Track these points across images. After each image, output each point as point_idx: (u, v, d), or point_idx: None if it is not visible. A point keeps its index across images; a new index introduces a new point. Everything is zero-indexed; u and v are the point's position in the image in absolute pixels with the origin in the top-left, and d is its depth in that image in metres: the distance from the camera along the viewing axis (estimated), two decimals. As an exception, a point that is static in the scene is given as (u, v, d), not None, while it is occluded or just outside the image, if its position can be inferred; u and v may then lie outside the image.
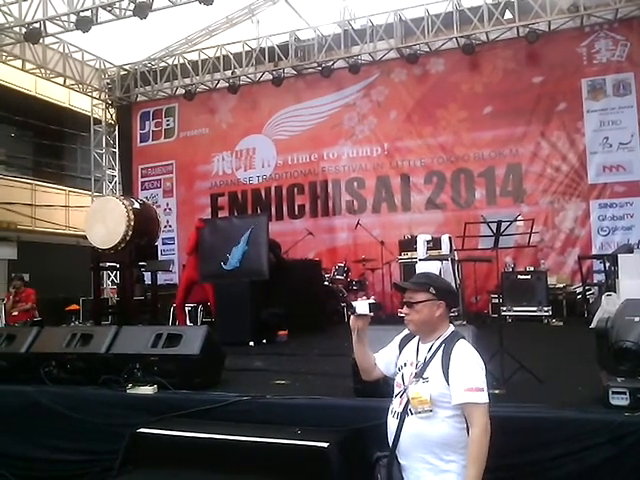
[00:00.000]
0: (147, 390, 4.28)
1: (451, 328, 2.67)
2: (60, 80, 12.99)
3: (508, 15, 10.61)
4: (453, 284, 8.80)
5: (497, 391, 3.88)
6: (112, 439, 4.02)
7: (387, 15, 11.39)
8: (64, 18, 9.97)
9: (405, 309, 2.69)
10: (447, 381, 2.50)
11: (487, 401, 2.44)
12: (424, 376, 2.56)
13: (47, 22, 10.01)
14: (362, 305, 2.77)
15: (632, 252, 8.35)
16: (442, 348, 2.58)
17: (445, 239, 9.25)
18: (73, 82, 13.16)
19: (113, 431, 4.07)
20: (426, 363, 2.60)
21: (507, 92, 10.86)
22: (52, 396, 4.48)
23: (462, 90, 11.25)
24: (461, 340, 2.60)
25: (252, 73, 12.70)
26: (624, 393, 3.31)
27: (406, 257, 9.66)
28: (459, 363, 2.50)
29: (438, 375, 2.53)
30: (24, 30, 10.08)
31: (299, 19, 12.26)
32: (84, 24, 9.54)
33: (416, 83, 11.70)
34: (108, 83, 14.04)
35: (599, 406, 3.41)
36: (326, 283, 9.87)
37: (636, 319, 3.56)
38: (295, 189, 12.58)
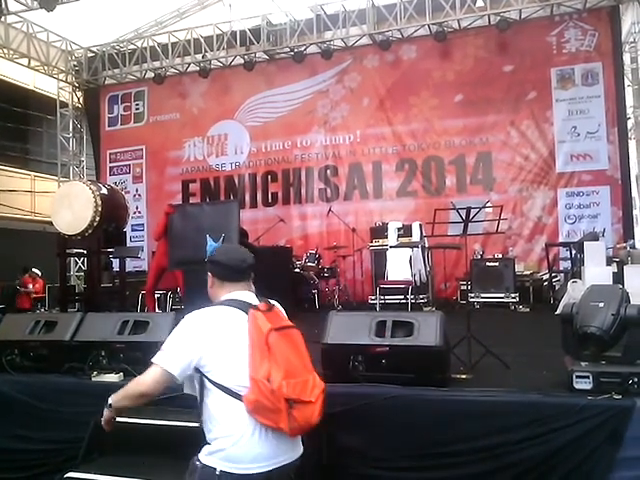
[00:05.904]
0: (113, 378, 4.20)
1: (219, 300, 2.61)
2: (24, 61, 12.62)
3: (480, 3, 10.68)
4: (423, 271, 8.87)
5: (464, 376, 3.92)
6: (77, 427, 3.94)
7: (360, 0, 11.31)
8: (27, -4, 9.70)
9: None
10: None
11: (156, 363, 2.44)
12: None
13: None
14: None
15: (597, 240, 8.47)
16: None
17: (416, 226, 9.32)
18: (38, 63, 12.80)
19: (78, 419, 3.98)
20: None
21: (478, 80, 10.92)
22: (15, 385, 4.37)
23: (434, 77, 11.28)
24: (205, 308, 2.55)
25: (223, 57, 12.53)
26: (587, 377, 3.36)
27: (377, 244, 9.69)
28: None
29: None
30: (-16, 8, 9.77)
31: (271, 3, 12.08)
32: (49, 3, 9.29)
33: (389, 69, 11.68)
34: (75, 65, 13.70)
35: (563, 390, 3.45)
36: (297, 270, 9.85)
37: (600, 305, 3.60)
38: (269, 176, 12.49)
